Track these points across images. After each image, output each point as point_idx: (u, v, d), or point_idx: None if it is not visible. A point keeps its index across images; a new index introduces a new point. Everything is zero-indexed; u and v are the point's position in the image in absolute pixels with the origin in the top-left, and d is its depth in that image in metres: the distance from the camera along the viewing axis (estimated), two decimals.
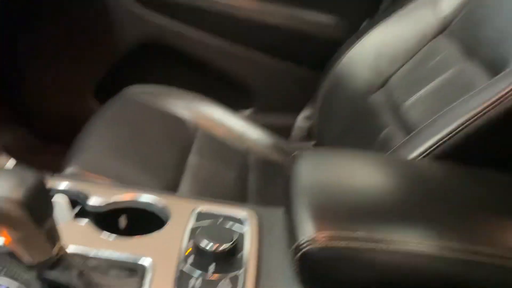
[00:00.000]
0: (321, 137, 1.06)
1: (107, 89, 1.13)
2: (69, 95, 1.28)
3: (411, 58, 0.92)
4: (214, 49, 1.23)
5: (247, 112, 1.30)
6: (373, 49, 1.00)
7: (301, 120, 1.25)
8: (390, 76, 0.94)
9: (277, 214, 0.55)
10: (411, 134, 0.71)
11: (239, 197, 0.90)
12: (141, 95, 1.05)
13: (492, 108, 0.60)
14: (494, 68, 0.70)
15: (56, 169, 0.79)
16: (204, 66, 1.27)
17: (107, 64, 1.26)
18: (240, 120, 1.12)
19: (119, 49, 1.25)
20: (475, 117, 0.61)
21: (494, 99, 0.60)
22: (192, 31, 1.23)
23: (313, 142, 1.14)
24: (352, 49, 1.02)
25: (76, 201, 0.55)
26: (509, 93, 0.60)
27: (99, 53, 1.27)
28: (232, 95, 1.26)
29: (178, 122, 1.01)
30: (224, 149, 1.01)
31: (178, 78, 1.23)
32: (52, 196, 0.44)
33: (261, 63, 1.26)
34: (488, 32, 0.78)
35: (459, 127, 0.61)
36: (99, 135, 0.92)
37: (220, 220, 0.54)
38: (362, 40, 1.01)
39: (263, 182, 0.97)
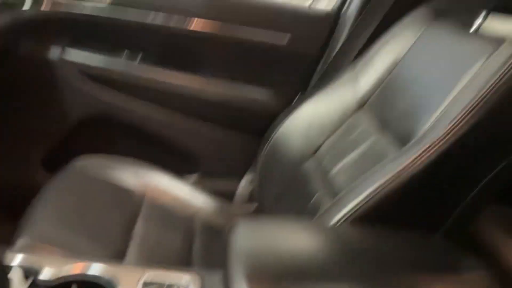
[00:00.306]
0: (261, 201, 1.15)
1: (56, 160, 1.17)
2: (17, 166, 1.30)
3: (337, 130, 1.04)
4: (159, 120, 1.31)
5: (193, 177, 1.37)
6: (305, 120, 1.11)
7: (244, 185, 1.34)
8: (320, 146, 1.05)
9: (219, 277, 0.62)
10: (335, 199, 0.80)
11: (184, 261, 0.95)
12: (89, 166, 1.10)
13: (399, 175, 0.71)
14: (402, 140, 0.82)
15: (6, 240, 0.81)
16: (150, 136, 1.34)
17: (56, 136, 1.31)
18: (186, 186, 1.19)
19: (68, 122, 1.31)
20: (386, 183, 0.71)
21: (400, 168, 0.71)
22: (138, 104, 1.31)
23: (254, 206, 1.22)
24: (288, 120, 1.13)
25: (28, 275, 0.59)
26: (413, 162, 0.71)
27: (47, 125, 1.31)
28: (178, 162, 1.34)
29: (125, 192, 1.06)
30: (170, 216, 1.07)
31: (125, 148, 1.29)
32: (8, 272, 0.48)
33: (205, 131, 1.35)
34: (397, 109, 0.91)
35: (373, 192, 0.72)
36: (49, 206, 0.95)
37: (165, 287, 0.60)
38: (295, 112, 1.13)
39: (208, 246, 1.03)
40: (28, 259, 0.61)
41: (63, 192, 1.01)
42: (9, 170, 1.31)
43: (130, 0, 1.24)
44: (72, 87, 1.28)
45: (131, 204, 1.03)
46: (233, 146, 1.37)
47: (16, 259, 0.61)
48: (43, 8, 1.20)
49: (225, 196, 1.25)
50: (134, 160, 1.17)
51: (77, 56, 1.28)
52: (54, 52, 1.26)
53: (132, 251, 0.91)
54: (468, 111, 0.69)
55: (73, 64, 1.28)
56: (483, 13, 0.82)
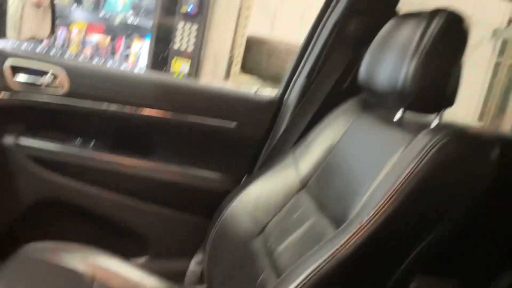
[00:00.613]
0: (211, 282, 1.17)
1: (5, 246, 1.16)
2: None
3: (281, 209, 1.11)
4: (109, 203, 1.34)
5: (143, 259, 1.38)
6: (252, 201, 1.17)
7: (193, 265, 1.36)
8: (266, 225, 1.11)
9: None
10: (279, 279, 0.85)
11: None
12: (38, 252, 1.09)
13: (334, 256, 0.78)
14: (338, 222, 0.90)
15: None
16: (101, 218, 1.36)
17: (5, 221, 1.30)
18: (136, 269, 1.20)
19: (19, 207, 1.31)
20: (323, 264, 0.78)
21: (334, 249, 0.78)
22: (89, 188, 1.33)
23: (204, 286, 1.24)
24: (235, 201, 1.18)
25: None
26: (345, 243, 0.77)
27: None
28: (127, 244, 1.35)
29: (75, 277, 1.06)
30: None
31: (75, 231, 1.30)
32: None
33: (154, 213, 1.38)
34: (333, 192, 1.00)
35: (312, 273, 0.77)
36: None
37: None
38: (243, 193, 1.19)
39: None
40: None
41: (12, 279, 1.00)
42: None
43: (83, 92, 1.30)
44: (24, 172, 1.30)
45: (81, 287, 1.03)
46: (182, 227, 1.40)
47: None
48: (1, 96, 1.25)
49: (175, 277, 1.27)
50: (84, 245, 1.18)
51: (31, 142, 1.31)
52: (8, 139, 1.29)
53: None
54: (391, 195, 0.78)
55: (26, 149, 1.30)
56: (401, 109, 0.94)
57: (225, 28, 3.20)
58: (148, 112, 1.34)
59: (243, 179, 1.38)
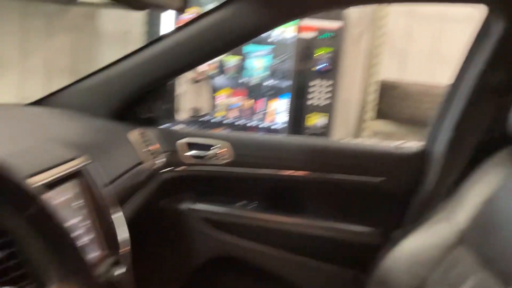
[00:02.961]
0: None
1: None
2: None
3: (439, 264, 1.12)
4: (273, 259, 1.48)
5: None
6: (407, 255, 1.19)
7: None
8: (425, 280, 1.13)
9: None
10: None
11: None
12: None
13: None
14: (506, 278, 0.89)
15: None
16: (263, 273, 1.49)
17: (183, 276, 1.51)
18: None
19: (194, 263, 1.51)
20: None
21: None
22: (251, 244, 1.49)
23: None
24: (389, 257, 1.22)
25: None
26: None
27: (176, 267, 1.52)
28: None
29: None
30: None
31: (244, 286, 1.45)
32: None
33: (309, 266, 1.49)
34: (499, 246, 0.97)
35: None
36: None
37: None
38: (397, 247, 1.23)
39: None
40: None
41: None
42: None
43: (244, 161, 1.48)
44: (197, 233, 1.50)
45: None
46: (337, 281, 1.47)
47: None
48: (176, 170, 1.48)
49: None
50: None
51: (202, 206, 1.52)
52: (183, 205, 1.51)
53: None
54: None
55: (198, 213, 1.51)
56: None
57: (356, 79, 3.30)
58: (300, 173, 1.47)
59: (393, 233, 1.42)
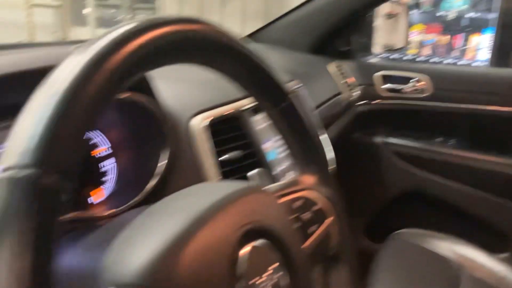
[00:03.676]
0: None
1: (378, 230, 1.39)
2: None
3: None
4: (466, 197, 1.41)
5: (504, 255, 1.39)
6: None
7: None
8: None
9: None
10: None
11: None
12: (411, 237, 1.27)
13: None
14: None
15: None
16: (457, 211, 1.44)
17: (375, 209, 1.55)
18: (501, 264, 1.23)
19: (385, 196, 1.53)
20: None
21: None
22: (445, 181, 1.44)
23: None
24: None
25: None
26: None
27: (369, 199, 1.57)
28: (487, 239, 1.38)
29: (444, 262, 1.18)
30: None
31: (435, 222, 1.42)
32: None
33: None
34: None
35: None
36: (383, 274, 1.15)
37: None
38: None
39: None
40: None
41: (390, 259, 1.20)
42: None
43: (445, 95, 1.41)
44: (391, 166, 1.51)
45: (450, 276, 1.14)
46: None
47: None
48: (372, 102, 1.49)
49: None
50: (448, 235, 1.29)
51: (396, 140, 1.51)
52: (377, 138, 1.53)
53: None
54: None
55: (392, 146, 1.51)
56: None
57: None
58: (505, 109, 1.35)
59: None
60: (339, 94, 1.36)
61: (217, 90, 0.70)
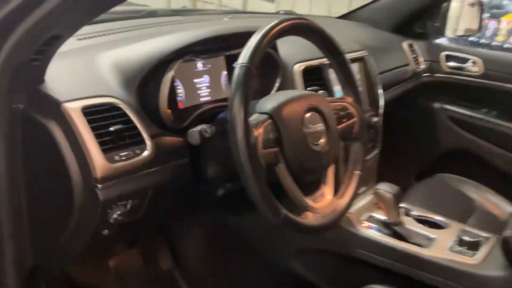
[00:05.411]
0: None
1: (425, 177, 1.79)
2: (398, 175, 2.02)
3: None
4: (503, 158, 1.79)
5: None
6: None
7: None
8: None
9: None
10: None
11: None
12: (446, 180, 1.67)
13: None
14: None
15: None
16: (495, 169, 1.82)
17: (427, 159, 1.98)
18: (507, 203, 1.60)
19: (435, 151, 1.96)
20: None
21: None
22: (488, 144, 1.82)
23: None
24: None
25: None
26: None
27: (420, 151, 2.00)
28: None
29: (469, 200, 1.51)
30: (494, 220, 1.52)
31: (473, 176, 1.80)
32: None
33: None
34: None
35: None
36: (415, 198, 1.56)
37: None
38: None
39: None
40: None
41: (424, 193, 1.58)
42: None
43: (492, 75, 1.78)
44: (444, 128, 1.93)
45: (467, 208, 1.53)
46: None
47: None
48: (436, 75, 1.91)
49: None
50: (477, 183, 1.67)
51: (452, 108, 1.92)
52: (437, 104, 1.95)
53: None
54: None
55: (448, 112, 1.92)
56: None
57: None
58: None
59: None
60: (407, 65, 1.80)
61: (310, 50, 1.20)
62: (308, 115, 0.89)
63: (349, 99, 1.02)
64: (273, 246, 1.42)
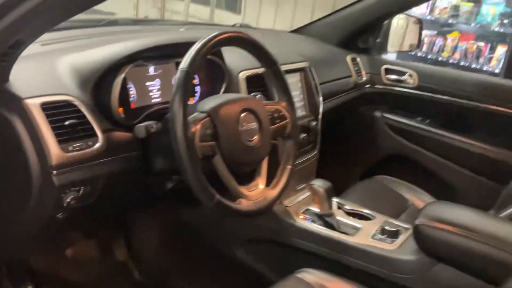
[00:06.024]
0: None
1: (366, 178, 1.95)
2: (343, 174, 2.20)
3: None
4: (437, 163, 1.98)
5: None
6: None
7: None
8: None
9: None
10: None
11: None
12: (384, 181, 1.84)
13: None
14: None
15: None
16: (427, 172, 2.01)
17: (368, 163, 2.16)
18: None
19: (376, 155, 2.14)
20: None
21: None
22: (421, 149, 2.01)
23: None
24: None
25: None
26: None
27: (363, 155, 2.18)
28: (443, 194, 1.95)
29: (403, 200, 1.73)
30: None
31: (408, 179, 1.99)
32: None
33: (466, 176, 1.93)
34: None
35: None
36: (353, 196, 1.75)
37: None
38: None
39: None
40: None
41: (363, 191, 1.75)
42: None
43: (427, 86, 1.98)
44: (382, 134, 2.11)
45: (401, 206, 1.69)
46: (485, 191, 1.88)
47: None
48: (376, 86, 2.09)
49: None
50: (411, 184, 1.85)
51: (389, 116, 2.11)
52: (377, 113, 2.13)
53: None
54: None
55: (385, 119, 2.11)
56: None
57: None
58: (470, 103, 1.89)
59: None
60: (349, 76, 1.98)
61: (254, 60, 1.34)
62: (243, 115, 1.04)
63: (283, 104, 1.17)
64: (222, 236, 1.56)
